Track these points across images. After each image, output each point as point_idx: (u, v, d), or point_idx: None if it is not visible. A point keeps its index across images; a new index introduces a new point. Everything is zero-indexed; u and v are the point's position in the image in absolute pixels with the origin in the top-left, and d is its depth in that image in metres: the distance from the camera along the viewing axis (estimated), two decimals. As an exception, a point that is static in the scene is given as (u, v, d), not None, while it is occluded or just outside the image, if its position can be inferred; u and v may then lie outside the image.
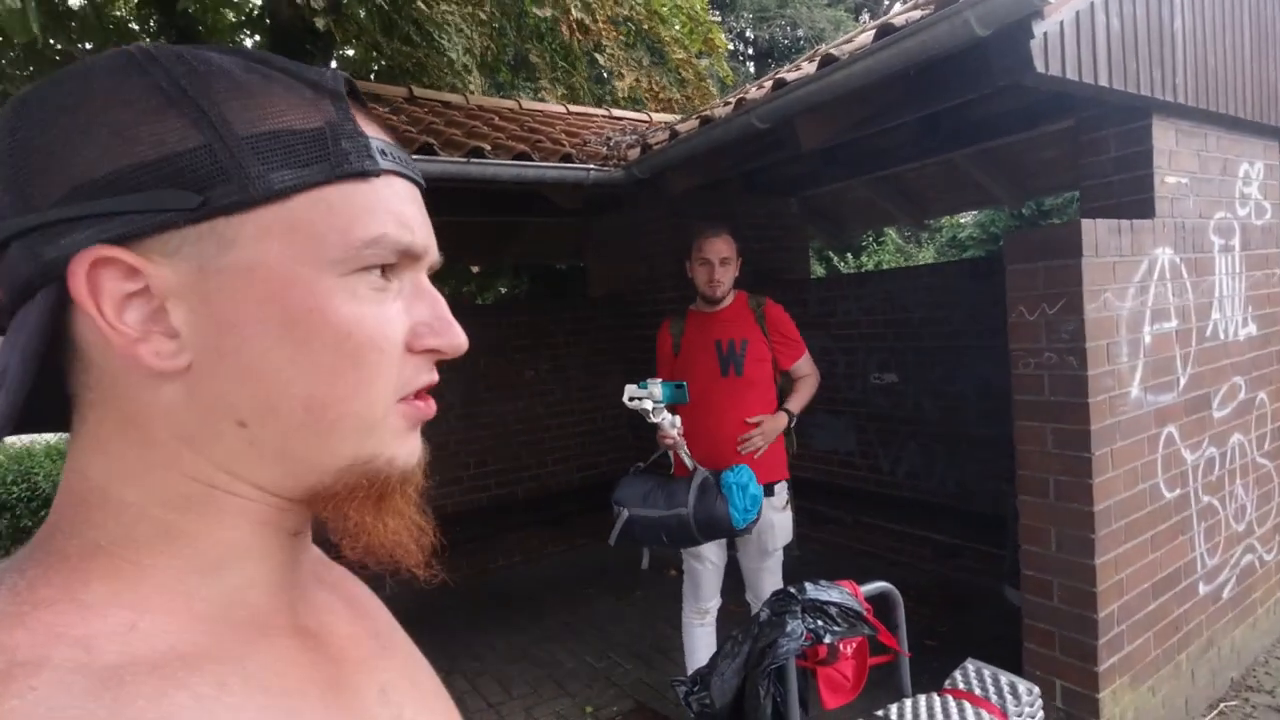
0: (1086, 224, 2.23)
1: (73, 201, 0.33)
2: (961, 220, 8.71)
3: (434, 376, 0.42)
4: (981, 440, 3.74)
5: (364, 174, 0.37)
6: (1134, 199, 2.53)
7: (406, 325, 0.39)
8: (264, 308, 0.35)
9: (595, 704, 3.09)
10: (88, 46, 7.01)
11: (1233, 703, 2.79)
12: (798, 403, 2.60)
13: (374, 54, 7.28)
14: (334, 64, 7.85)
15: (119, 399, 0.36)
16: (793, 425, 2.59)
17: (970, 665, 1.39)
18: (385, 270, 0.38)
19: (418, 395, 0.41)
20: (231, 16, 8.93)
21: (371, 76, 7.47)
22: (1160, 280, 2.53)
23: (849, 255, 10.03)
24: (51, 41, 6.25)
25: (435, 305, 0.41)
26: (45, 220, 0.33)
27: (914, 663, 1.83)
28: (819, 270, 9.87)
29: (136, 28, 8.43)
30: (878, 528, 4.15)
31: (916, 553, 3.97)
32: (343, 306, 0.37)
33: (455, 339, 0.41)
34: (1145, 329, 2.46)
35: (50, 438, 6.96)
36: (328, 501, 0.39)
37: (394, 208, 0.38)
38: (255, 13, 8.67)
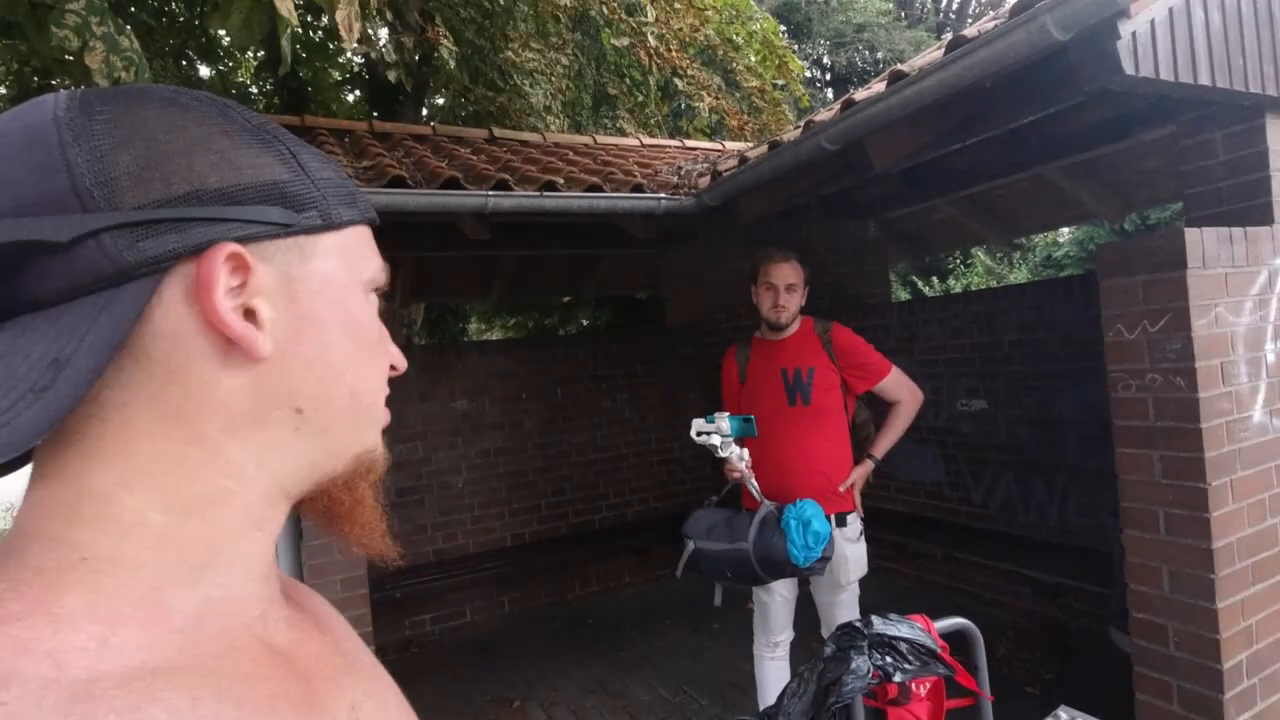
0: (1191, 233, 2.06)
1: (186, 205, 0.37)
2: (1057, 238, 8.23)
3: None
4: (1084, 471, 3.47)
5: (371, 221, 0.49)
6: (1248, 205, 2.32)
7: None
8: (334, 309, 0.43)
9: (670, 740, 3.02)
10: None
11: (1400, 775, 2.42)
12: (884, 444, 2.49)
13: (461, 100, 7.69)
14: (424, 111, 8.35)
15: (173, 394, 0.37)
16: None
17: (1064, 714, 1.27)
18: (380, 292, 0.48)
19: None
20: (336, 75, 9.68)
21: (460, 121, 7.90)
22: (1284, 293, 2.29)
23: (935, 279, 9.64)
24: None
25: (385, 328, 0.50)
26: (156, 217, 0.36)
27: (1014, 712, 1.68)
28: (903, 295, 9.52)
29: (255, 91, 9.26)
30: (971, 563, 3.89)
31: (1015, 591, 3.69)
32: (370, 316, 0.47)
33: (402, 359, 0.50)
34: (1268, 346, 2.23)
35: None
36: (338, 487, 0.46)
37: (376, 248, 0.49)
38: (356, 70, 9.35)
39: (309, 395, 0.42)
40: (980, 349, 3.92)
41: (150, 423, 0.37)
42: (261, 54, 8.47)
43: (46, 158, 0.35)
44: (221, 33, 8.61)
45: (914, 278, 9.61)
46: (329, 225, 0.43)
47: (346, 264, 0.45)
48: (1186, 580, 2.08)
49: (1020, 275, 8.81)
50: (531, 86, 6.95)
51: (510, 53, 6.62)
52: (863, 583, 2.53)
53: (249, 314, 0.39)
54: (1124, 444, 2.21)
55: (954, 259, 9.70)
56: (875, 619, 1.23)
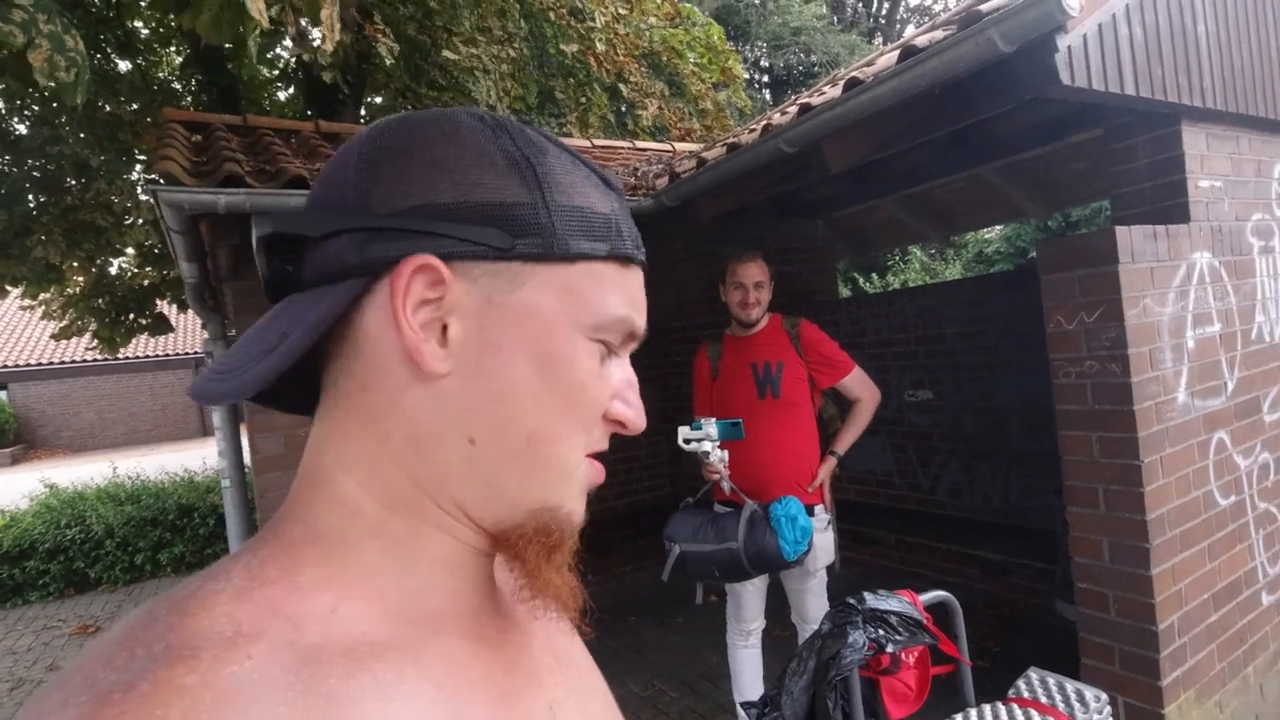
0: (1121, 230, 2.23)
1: (413, 217, 0.39)
2: (987, 235, 8.65)
3: (606, 444, 0.46)
4: (1026, 454, 3.69)
5: (629, 260, 0.44)
6: (1167, 204, 2.52)
7: (611, 392, 0.45)
8: (529, 344, 0.41)
9: (644, 732, 3.07)
10: (134, 107, 7.38)
11: (1307, 719, 2.68)
12: (846, 441, 2.57)
13: (401, 99, 7.55)
14: (362, 111, 8.14)
15: (372, 392, 0.41)
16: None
17: (1034, 674, 1.38)
18: (611, 343, 0.44)
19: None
20: (266, 72, 9.35)
21: (402, 122, 7.69)
22: (1200, 284, 2.50)
23: (874, 275, 10.00)
24: (101, 103, 6.60)
25: (632, 383, 0.47)
26: (385, 225, 0.39)
27: (971, 681, 1.80)
28: (844, 291, 9.84)
29: (179, 88, 8.85)
30: (922, 546, 4.08)
31: (963, 571, 3.89)
32: (583, 362, 0.42)
33: (639, 419, 0.46)
34: (1188, 334, 2.43)
35: (101, 480, 7.07)
36: (509, 541, 0.43)
37: (636, 295, 0.45)
38: (289, 68, 9.05)
39: (482, 427, 0.40)
40: (925, 342, 4.12)
41: (360, 416, 0.41)
42: (185, 49, 8.10)
43: (345, 165, 0.41)
44: (139, 24, 8.19)
45: (855, 274, 9.94)
46: (550, 256, 0.40)
47: (565, 300, 0.41)
48: (1124, 550, 2.26)
49: (954, 270, 9.22)
50: (474, 85, 6.89)
51: (449, 50, 6.54)
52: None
53: (444, 330, 0.40)
54: (1065, 427, 2.38)
55: (892, 256, 10.08)
56: (867, 595, 1.31)
